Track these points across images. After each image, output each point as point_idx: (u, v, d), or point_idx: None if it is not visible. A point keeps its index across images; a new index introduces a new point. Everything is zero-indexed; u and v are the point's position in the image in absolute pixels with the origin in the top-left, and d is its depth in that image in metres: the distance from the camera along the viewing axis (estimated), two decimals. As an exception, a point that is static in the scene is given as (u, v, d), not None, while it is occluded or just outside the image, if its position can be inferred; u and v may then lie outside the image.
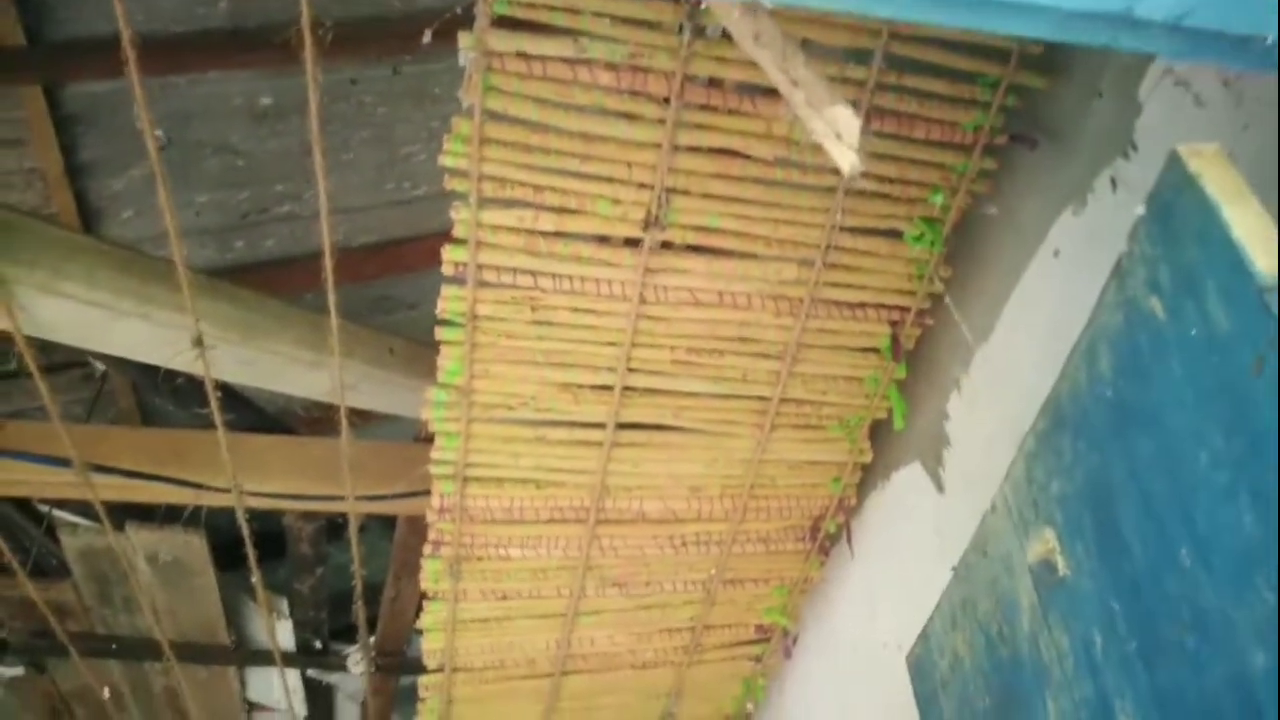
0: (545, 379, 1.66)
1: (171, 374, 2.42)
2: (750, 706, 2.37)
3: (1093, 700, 0.83)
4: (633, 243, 1.55)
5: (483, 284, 1.55)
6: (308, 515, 3.01)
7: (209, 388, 1.90)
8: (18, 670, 2.88)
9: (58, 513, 2.96)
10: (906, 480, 1.92)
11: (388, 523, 2.90)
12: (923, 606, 1.83)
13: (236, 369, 2.01)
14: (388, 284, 3.44)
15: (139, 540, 2.95)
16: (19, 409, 3.29)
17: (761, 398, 1.76)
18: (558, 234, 1.53)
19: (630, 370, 1.67)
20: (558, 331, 1.61)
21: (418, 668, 3.09)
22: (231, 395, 2.69)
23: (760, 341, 1.69)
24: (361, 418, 2.16)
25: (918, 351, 1.78)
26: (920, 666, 1.36)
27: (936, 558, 1.80)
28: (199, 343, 1.82)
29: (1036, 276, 1.53)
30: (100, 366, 3.26)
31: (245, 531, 2.29)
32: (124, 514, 2.96)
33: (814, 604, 2.16)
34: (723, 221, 1.55)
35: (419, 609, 3.05)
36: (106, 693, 2.98)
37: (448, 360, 1.60)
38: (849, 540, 1.99)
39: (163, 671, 3.33)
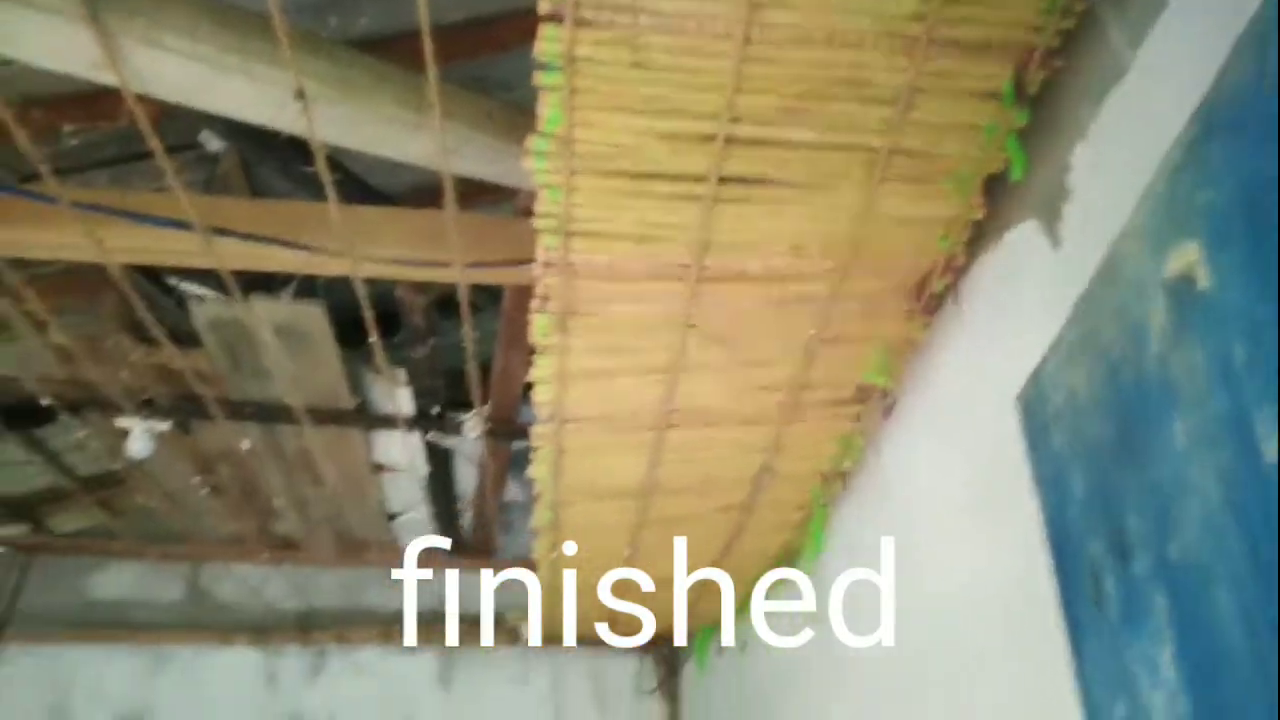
0: (645, 128, 1.58)
1: (280, 147, 2.43)
2: (847, 464, 2.38)
3: (1228, 414, 0.77)
4: (738, -26, 1.43)
5: (580, 22, 1.45)
6: (419, 287, 3.07)
7: (314, 145, 1.88)
8: (165, 426, 3.07)
9: (185, 285, 3.08)
10: (1020, 237, 1.81)
11: (495, 302, 2.93)
12: (1033, 361, 1.78)
13: (338, 130, 1.98)
14: (481, 65, 3.31)
15: (263, 311, 3.05)
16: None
17: (870, 148, 1.66)
18: (659, -33, 1.41)
19: (733, 120, 1.58)
20: (657, 75, 1.52)
21: (525, 433, 3.21)
22: (342, 171, 2.69)
23: (872, 85, 1.57)
24: (463, 198, 2.14)
25: (1041, 97, 1.64)
26: (1031, 405, 1.32)
27: (1049, 315, 1.72)
28: (300, 95, 1.78)
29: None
30: (213, 146, 3.30)
31: (361, 293, 2.33)
32: (247, 288, 3.06)
33: (916, 366, 2.11)
34: (835, -52, 1.41)
35: (525, 379, 3.12)
36: (246, 444, 3.17)
37: (547, 107, 1.54)
38: (955, 299, 1.92)
39: (295, 434, 3.53)
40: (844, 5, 1.46)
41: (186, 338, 3.31)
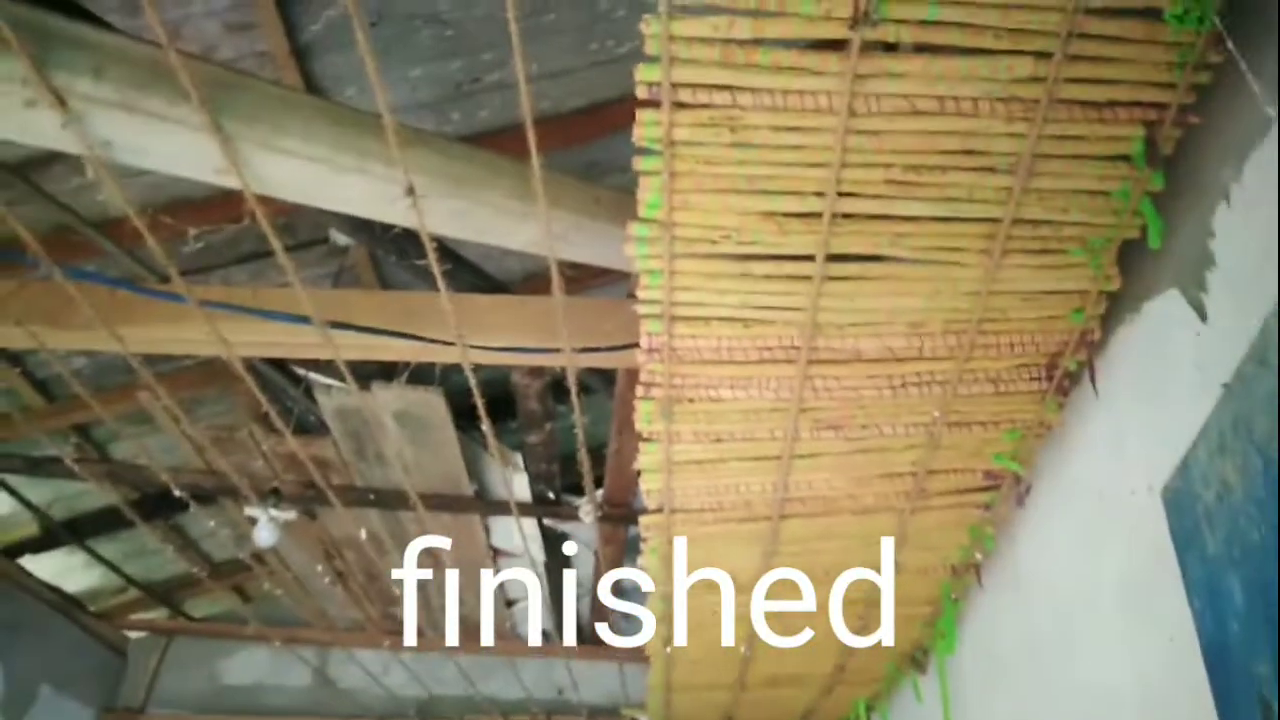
0: (748, 208, 1.52)
1: (401, 240, 2.48)
2: (979, 556, 2.21)
3: None
4: (839, 45, 1.37)
5: (678, 105, 1.42)
6: (534, 372, 3.07)
7: (424, 238, 1.90)
8: (291, 515, 3.13)
9: (313, 375, 3.16)
10: (1161, 309, 1.66)
11: (610, 385, 2.90)
12: (1180, 448, 1.61)
13: (449, 221, 1.99)
14: (597, 148, 3.36)
15: (384, 398, 3.10)
16: (271, 285, 3.51)
17: (991, 219, 1.55)
18: (755, 41, 1.37)
19: (840, 195, 1.51)
20: (759, 154, 1.46)
21: (637, 516, 3.13)
22: (456, 260, 2.73)
23: (989, 154, 1.47)
24: (575, 283, 2.12)
25: (1176, 157, 1.51)
26: (1178, 501, 1.17)
27: (1196, 394, 1.55)
28: (411, 191, 1.80)
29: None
30: (341, 241, 3.42)
31: (472, 381, 2.33)
32: (369, 376, 3.13)
33: (1050, 449, 1.95)
34: (943, 11, 1.33)
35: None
36: (364, 533, 3.20)
37: (647, 192, 1.50)
38: (1093, 379, 1.76)
39: (416, 520, 3.56)
40: (954, 73, 1.38)
41: (315, 426, 3.40)
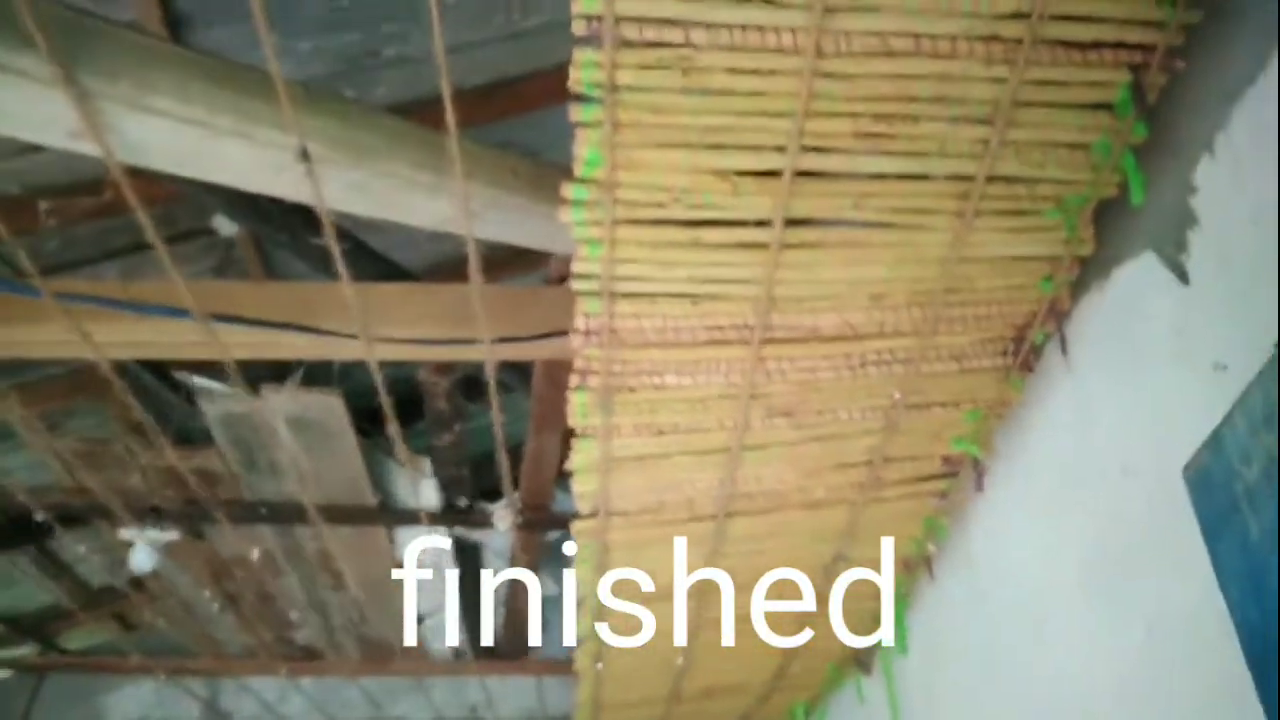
0: (700, 165, 1.32)
1: (291, 225, 2.20)
2: (931, 548, 2.07)
3: None
4: (807, -27, 1.19)
5: (623, 44, 1.21)
6: (442, 369, 2.82)
7: (320, 211, 1.64)
8: (173, 536, 2.80)
9: (196, 379, 2.84)
10: (1134, 274, 1.53)
11: (525, 381, 2.68)
12: (1163, 420, 1.48)
13: (349, 195, 1.73)
14: (506, 128, 3.12)
15: (277, 404, 2.80)
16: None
17: (963, 177, 1.39)
18: (713, -32, 1.17)
19: (803, 150, 1.33)
20: (715, 102, 1.26)
21: (562, 523, 2.90)
22: (357, 247, 2.46)
23: (965, 101, 1.31)
24: (484, 273, 1.90)
25: (1161, 106, 1.37)
26: (1206, 480, 1.03)
27: (1178, 361, 1.43)
28: (304, 156, 1.55)
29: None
30: (226, 230, 3.10)
31: (378, 380, 2.07)
32: (259, 379, 2.82)
33: (1010, 430, 1.81)
34: (923, -64, 1.16)
35: (561, 463, 2.84)
36: (255, 554, 2.88)
37: (585, 146, 1.29)
38: (1063, 350, 1.63)
39: (314, 535, 3.26)
40: (933, 6, 1.21)
41: (199, 436, 3.07)
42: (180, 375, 2.86)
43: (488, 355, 1.96)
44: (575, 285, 1.44)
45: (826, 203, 1.38)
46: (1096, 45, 1.29)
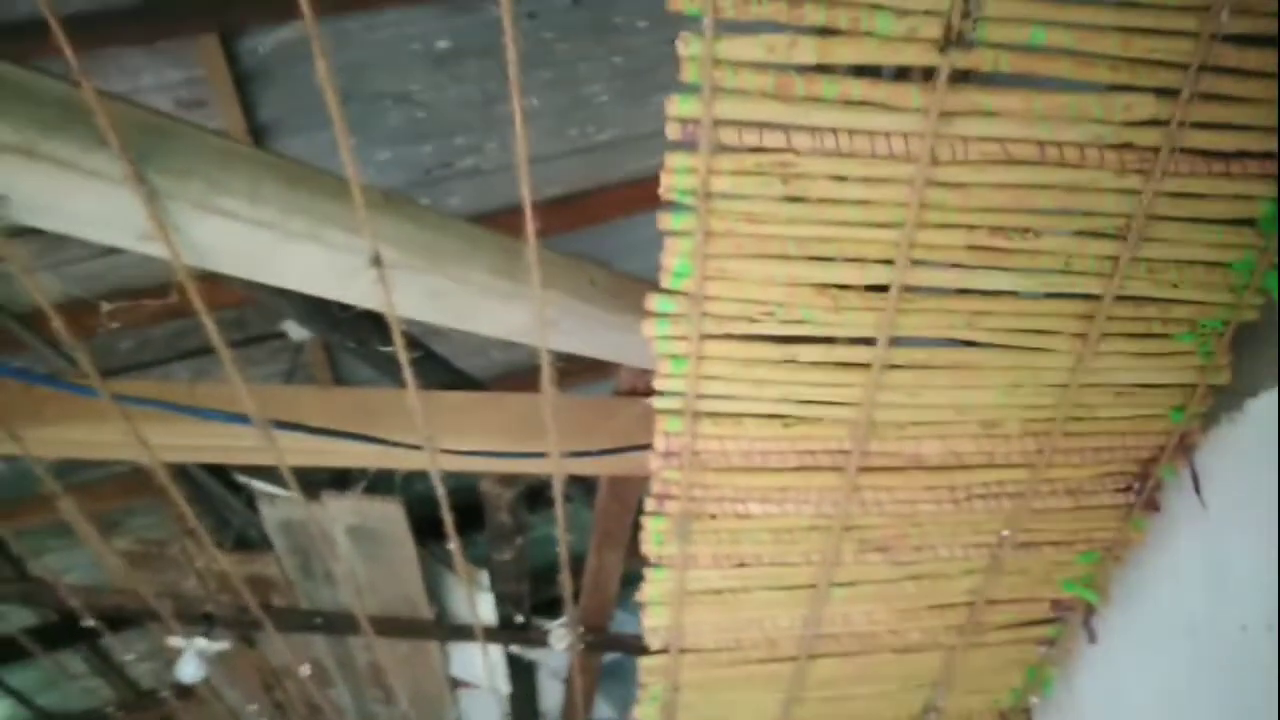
0: (798, 278, 1.19)
1: (359, 331, 2.11)
2: (1034, 701, 1.83)
3: None
4: (923, 75, 1.07)
5: (720, 148, 1.10)
6: (505, 480, 2.68)
7: (391, 319, 1.54)
8: (224, 645, 2.65)
9: (256, 484, 2.74)
10: (1270, 408, 1.34)
11: (589, 493, 2.54)
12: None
13: (423, 302, 1.63)
14: (575, 239, 3.06)
15: (336, 510, 2.68)
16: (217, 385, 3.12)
17: (1089, 296, 1.24)
18: (819, 68, 1.06)
19: (911, 263, 1.19)
20: (816, 211, 1.14)
21: (622, 645, 2.70)
22: (425, 354, 2.37)
23: (1093, 215, 1.17)
24: (561, 379, 1.79)
25: (1306, 223, 1.22)
26: None
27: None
28: (377, 262, 1.45)
29: None
30: (296, 335, 3.05)
31: (440, 492, 1.94)
32: (321, 485, 2.73)
33: (1129, 575, 1.60)
34: (1050, 35, 1.04)
35: (623, 582, 2.64)
36: (305, 670, 2.72)
37: (674, 256, 1.17)
38: (1197, 488, 1.43)
39: (366, 646, 3.10)
40: (1060, 111, 1.08)
41: (257, 541, 2.96)
42: (241, 479, 2.77)
43: (556, 469, 1.82)
44: (656, 403, 1.30)
45: (936, 320, 1.24)
46: (1240, 155, 1.14)
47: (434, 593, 3.03)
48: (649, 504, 1.42)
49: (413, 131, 2.73)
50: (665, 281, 1.19)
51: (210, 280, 2.45)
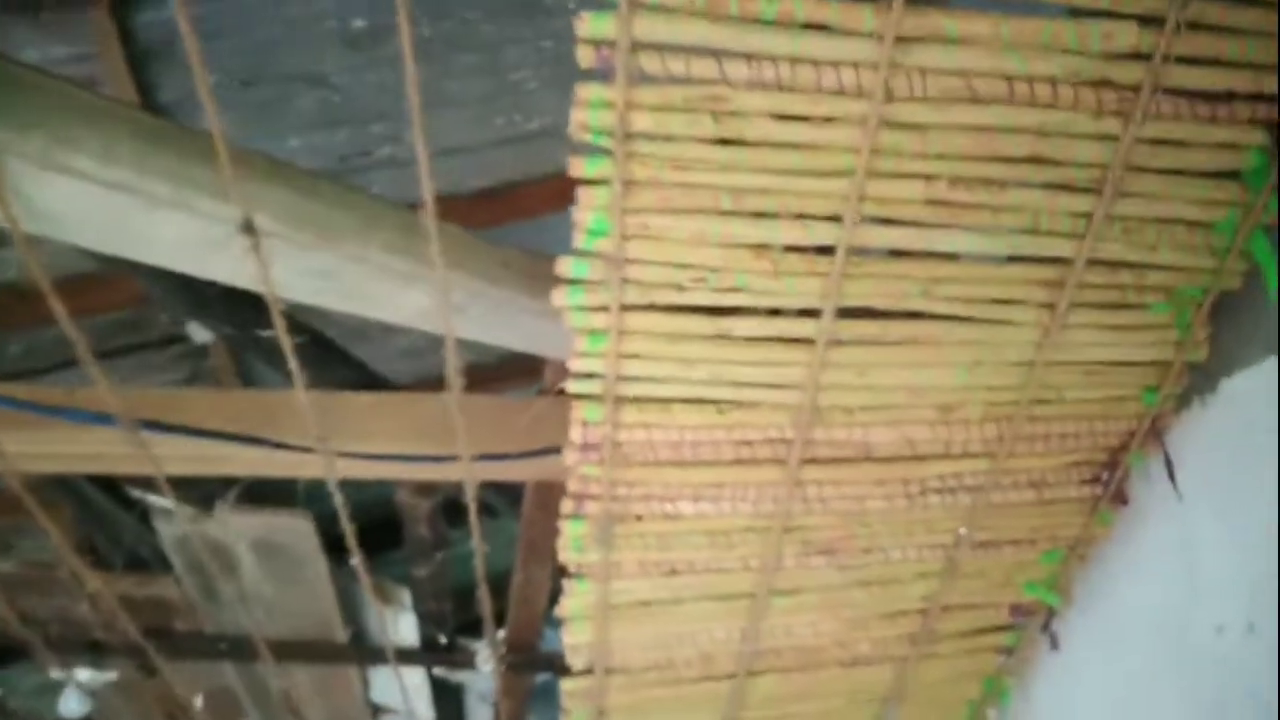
0: (733, 237, 1.01)
1: (239, 316, 1.88)
2: (991, 713, 1.67)
3: None
4: (877, -6, 0.90)
5: (641, 78, 0.91)
6: (422, 490, 2.46)
7: (269, 297, 1.32)
8: (111, 676, 2.37)
9: (151, 498, 2.47)
10: (1249, 387, 1.20)
11: (515, 504, 2.33)
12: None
13: (310, 282, 1.41)
14: (503, 233, 2.85)
15: (238, 526, 2.42)
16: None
17: (1058, 260, 1.08)
18: (757, -18, 0.89)
19: (861, 220, 1.02)
20: (754, 156, 0.96)
21: (551, 664, 2.48)
22: (328, 349, 2.14)
23: (1065, 164, 1.01)
24: (479, 385, 1.58)
25: (1292, 179, 1.08)
26: None
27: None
28: (249, 228, 1.23)
29: None
30: (200, 338, 2.79)
31: (338, 498, 1.71)
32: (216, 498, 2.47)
33: (1093, 575, 1.45)
34: (1022, -52, 0.88)
35: (553, 598, 2.43)
36: (199, 702, 2.45)
37: (589, 210, 0.98)
38: (1171, 477, 1.28)
39: (279, 672, 2.83)
40: (1031, 39, 0.92)
41: (153, 561, 2.68)
42: (135, 493, 2.50)
43: (467, 474, 1.60)
44: (571, 386, 1.10)
45: (888, 288, 1.06)
46: (1228, 96, 0.99)
47: (352, 613, 2.78)
48: (566, 505, 1.22)
49: (327, 117, 2.51)
50: (578, 240, 0.99)
51: (101, 279, 2.17)
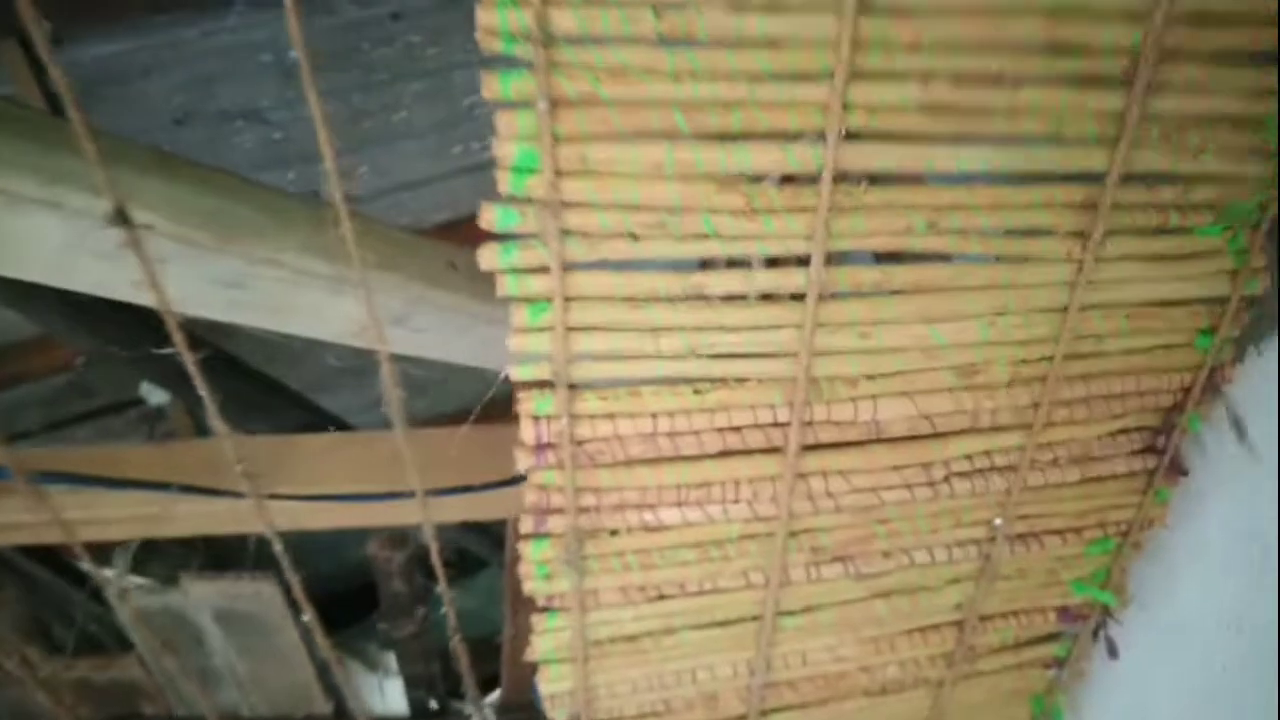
0: (691, 166, 0.81)
1: (136, 339, 1.67)
2: (1041, 740, 1.43)
3: None
4: None
5: (560, -35, 0.72)
6: (395, 542, 2.23)
7: (161, 309, 1.10)
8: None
9: (104, 572, 2.23)
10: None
11: (499, 549, 2.10)
12: None
13: (218, 294, 1.20)
14: (467, 267, 2.67)
15: (198, 595, 2.19)
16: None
17: (1087, 176, 0.88)
18: None
19: (846, 137, 0.82)
20: (709, 58, 0.76)
21: (538, 721, 2.23)
22: (279, 392, 1.93)
23: (1090, 52, 0.82)
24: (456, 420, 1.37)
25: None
26: None
27: None
28: (121, 218, 1.03)
29: None
30: (155, 399, 2.58)
31: (277, 545, 1.48)
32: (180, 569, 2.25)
33: (1148, 565, 1.22)
34: None
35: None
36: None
37: (510, 140, 0.77)
38: (1240, 435, 1.06)
39: (257, 752, 2.56)
40: (1037, -115, 0.74)
41: (113, 641, 2.43)
42: (85, 567, 2.26)
43: (422, 515, 1.37)
44: (514, 373, 0.89)
45: (887, 222, 0.85)
46: (1276, -41, 0.80)
47: (333, 683, 2.52)
48: (525, 523, 1.00)
49: (272, 155, 2.32)
50: (503, 183, 0.79)
51: (45, 342, 1.94)
